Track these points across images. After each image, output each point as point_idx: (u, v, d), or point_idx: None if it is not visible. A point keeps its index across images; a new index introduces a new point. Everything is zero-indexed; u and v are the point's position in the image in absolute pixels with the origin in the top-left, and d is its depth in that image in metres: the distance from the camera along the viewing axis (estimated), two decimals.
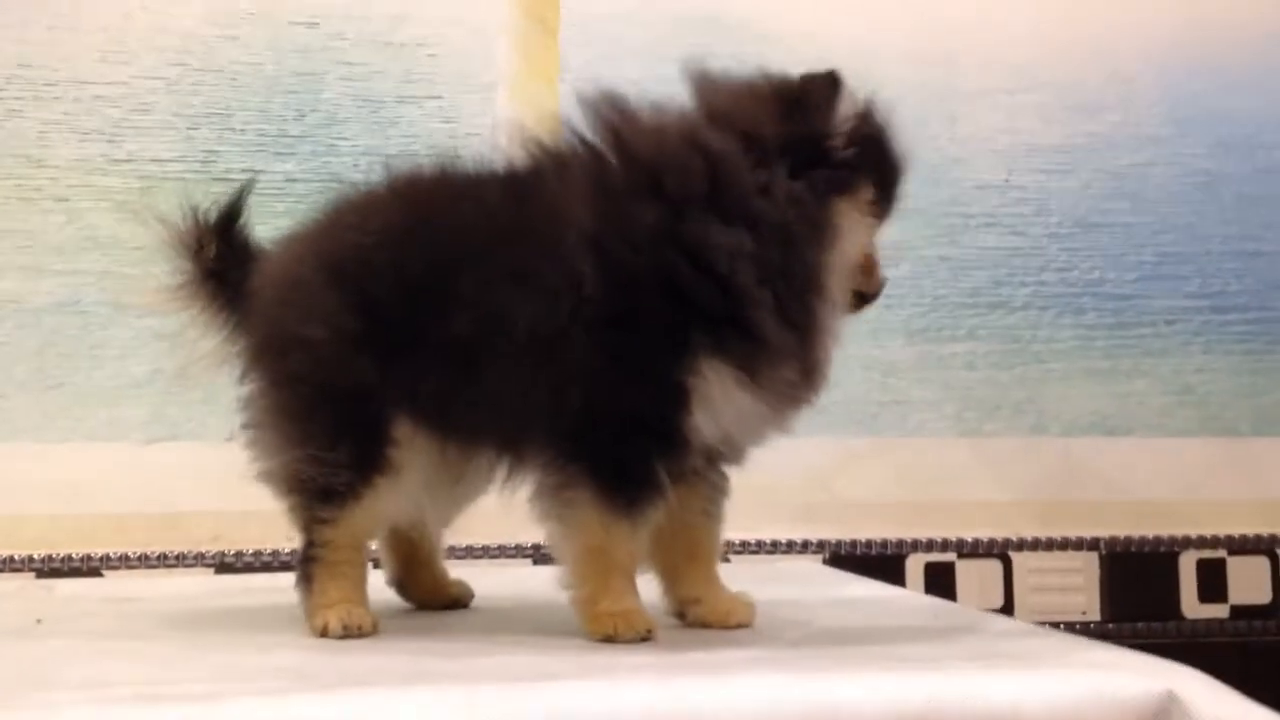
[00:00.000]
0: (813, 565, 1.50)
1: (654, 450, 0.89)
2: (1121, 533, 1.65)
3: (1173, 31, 1.72)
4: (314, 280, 0.98)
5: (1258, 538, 1.68)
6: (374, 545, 1.09)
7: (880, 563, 1.57)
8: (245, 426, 1.05)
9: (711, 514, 0.99)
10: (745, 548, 1.56)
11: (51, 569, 1.43)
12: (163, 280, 1.11)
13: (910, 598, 1.25)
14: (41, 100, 1.48)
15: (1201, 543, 1.66)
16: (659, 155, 0.90)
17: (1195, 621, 1.64)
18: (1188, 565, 1.66)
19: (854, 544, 1.59)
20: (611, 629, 0.89)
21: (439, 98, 1.56)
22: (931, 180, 1.65)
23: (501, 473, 0.98)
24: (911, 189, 1.58)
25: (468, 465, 1.00)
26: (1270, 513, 1.69)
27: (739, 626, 0.96)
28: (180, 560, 1.46)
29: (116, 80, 1.50)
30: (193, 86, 1.51)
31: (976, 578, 1.61)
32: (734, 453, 0.97)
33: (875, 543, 1.60)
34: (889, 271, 1.58)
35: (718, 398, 0.88)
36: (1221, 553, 1.67)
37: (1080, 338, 1.67)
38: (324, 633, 0.94)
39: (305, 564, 0.99)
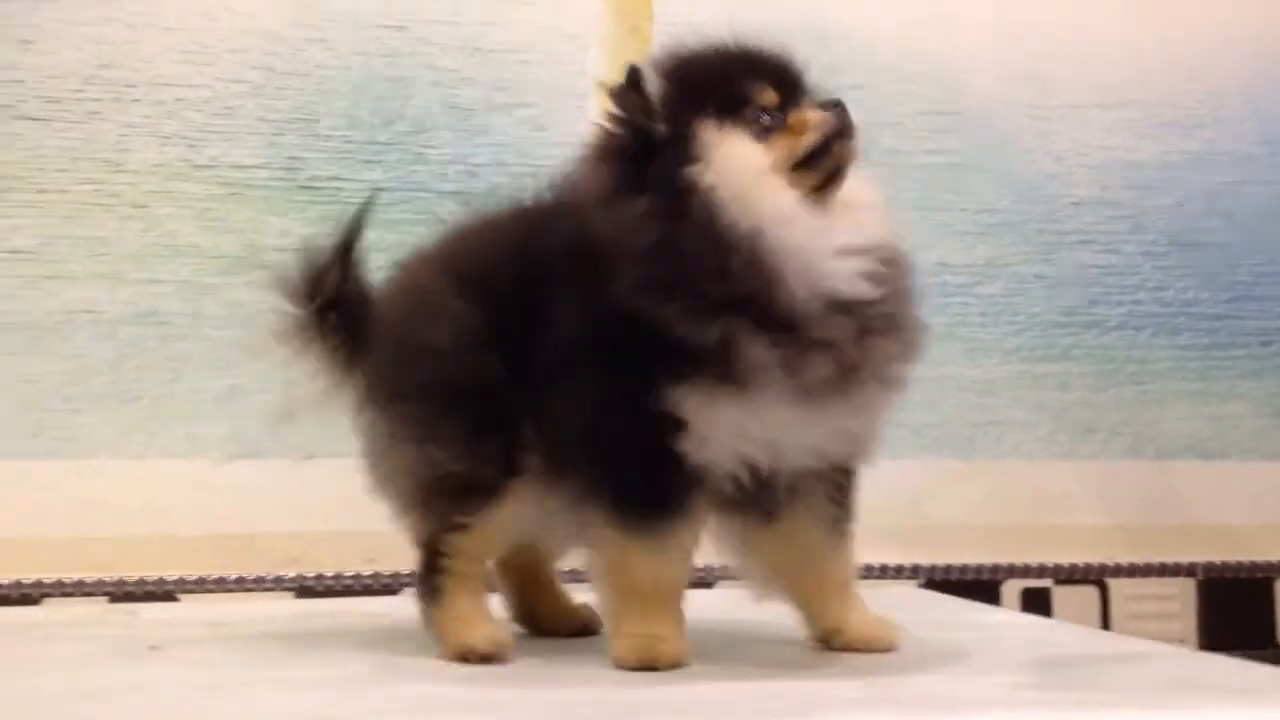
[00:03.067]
0: (917, 590, 1.45)
1: (662, 473, 0.87)
2: (1218, 558, 1.61)
3: (1263, 51, 1.70)
4: (440, 288, 0.98)
5: None
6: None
7: (976, 588, 1.53)
8: (369, 449, 1.03)
9: (831, 540, 0.95)
10: None
11: (124, 593, 1.36)
12: (278, 323, 1.10)
13: (1048, 624, 1.20)
14: (121, 102, 1.42)
15: None
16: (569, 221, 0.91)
17: None
18: None
19: (948, 568, 1.55)
20: (630, 653, 0.87)
21: (530, 105, 1.51)
22: (1027, 196, 1.62)
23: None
24: (1007, 204, 1.59)
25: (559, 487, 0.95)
26: None
27: (885, 651, 0.94)
28: (259, 584, 1.40)
29: (199, 83, 1.44)
30: (278, 90, 1.45)
31: (1074, 604, 1.57)
32: (779, 473, 0.90)
33: (970, 567, 1.55)
34: (988, 287, 1.57)
35: (701, 420, 0.85)
36: None
37: (1175, 358, 1.64)
38: (467, 651, 0.91)
39: (431, 577, 0.96)
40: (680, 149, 0.88)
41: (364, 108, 1.47)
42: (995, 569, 1.56)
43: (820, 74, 0.92)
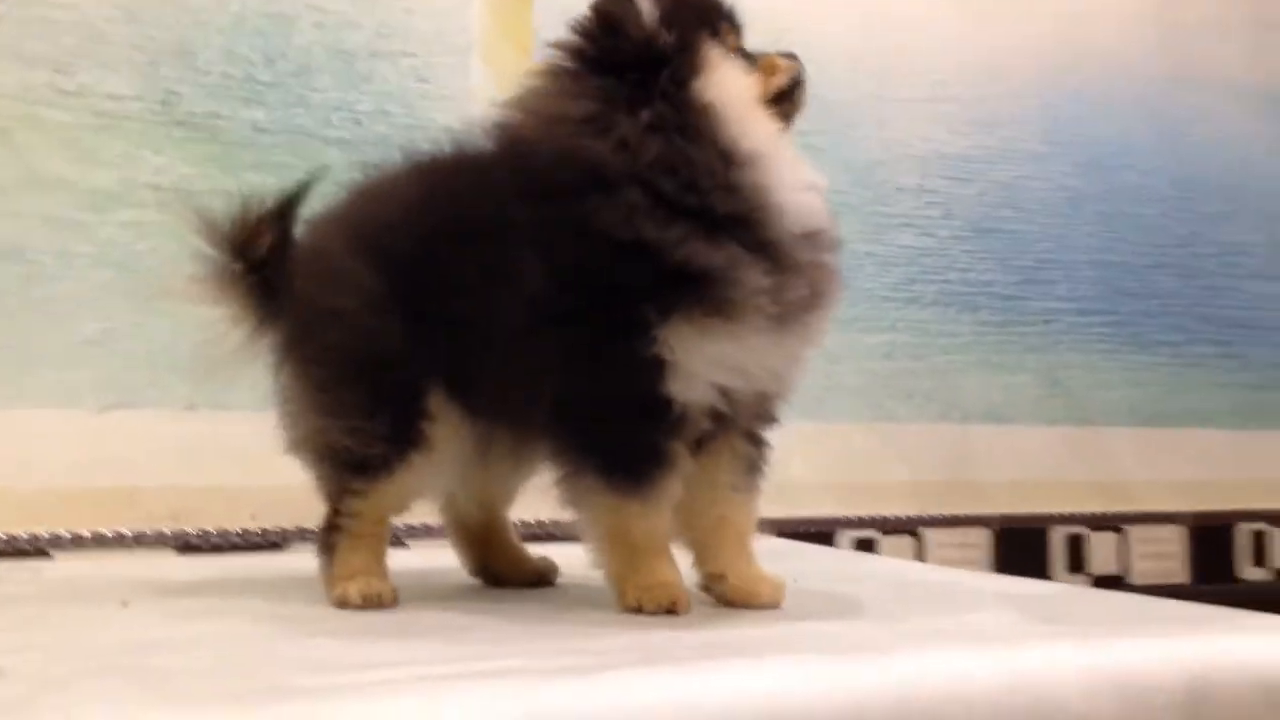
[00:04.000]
0: (789, 543, 1.56)
1: (649, 425, 0.87)
2: (1008, 510, 1.82)
3: (1053, 59, 1.92)
4: (341, 251, 0.97)
5: (1108, 515, 1.90)
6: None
7: (817, 538, 1.65)
8: (280, 400, 1.01)
9: (740, 488, 0.95)
10: None
11: None
12: (197, 271, 1.04)
13: (930, 568, 1.33)
14: None
15: (1071, 520, 1.86)
16: (542, 157, 0.89)
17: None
18: (1057, 539, 1.86)
19: (796, 521, 1.66)
20: (636, 601, 0.88)
21: (413, 55, 1.49)
22: (862, 180, 1.76)
23: (527, 454, 0.97)
24: (846, 186, 1.72)
25: (496, 445, 0.98)
26: (1117, 493, 1.91)
27: (765, 607, 0.92)
28: (139, 540, 1.32)
29: (68, 3, 1.33)
30: (153, 18, 1.37)
31: (895, 551, 1.72)
32: (747, 408, 0.92)
33: (813, 520, 1.68)
34: None
35: (691, 357, 0.84)
36: (1081, 528, 1.87)
37: (975, 333, 1.83)
38: (343, 604, 0.92)
39: (328, 534, 0.97)
40: (687, 62, 0.88)
41: (243, 43, 1.41)
42: (833, 521, 1.69)
43: None
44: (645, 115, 0.86)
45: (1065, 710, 0.65)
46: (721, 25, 0.91)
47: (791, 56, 0.93)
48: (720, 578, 0.94)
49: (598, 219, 0.84)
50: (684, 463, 0.89)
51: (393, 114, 1.46)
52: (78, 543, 1.30)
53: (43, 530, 1.28)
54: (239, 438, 1.34)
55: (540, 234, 0.86)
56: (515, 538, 1.10)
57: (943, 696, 0.65)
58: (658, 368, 0.84)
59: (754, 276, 0.84)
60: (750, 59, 0.92)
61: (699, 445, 0.91)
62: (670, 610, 0.87)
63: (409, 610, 0.92)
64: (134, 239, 1.34)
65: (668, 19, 0.88)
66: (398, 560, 1.00)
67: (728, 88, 0.88)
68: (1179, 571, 1.95)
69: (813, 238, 0.88)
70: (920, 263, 1.79)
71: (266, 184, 1.36)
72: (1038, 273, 1.88)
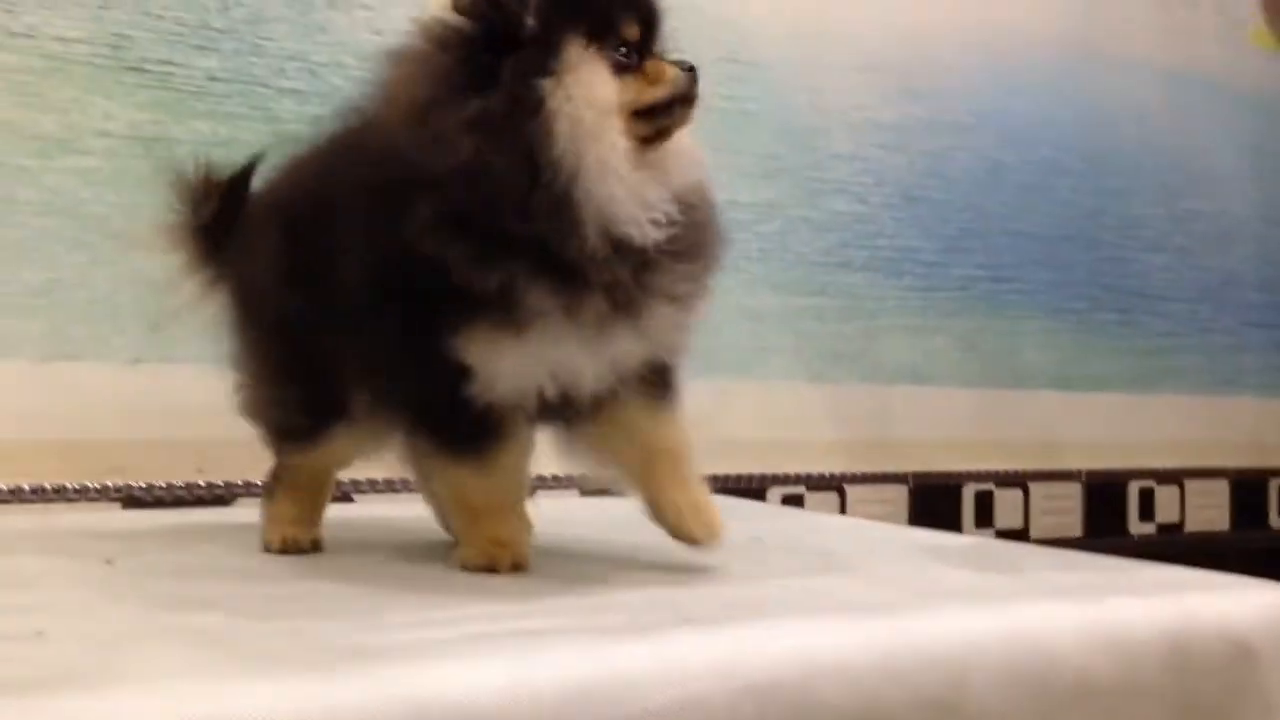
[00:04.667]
0: (731, 499, 1.60)
1: (462, 412, 0.86)
2: (923, 468, 1.90)
3: (976, 34, 1.98)
4: (260, 221, 1.02)
5: (1015, 473, 1.99)
6: None
7: (748, 494, 1.71)
8: (232, 361, 1.05)
9: (652, 412, 0.91)
10: None
11: None
12: (157, 220, 1.09)
13: (880, 525, 1.39)
14: None
15: (981, 476, 1.95)
16: (371, 145, 0.87)
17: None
18: (968, 495, 1.95)
19: (727, 478, 1.71)
20: (474, 558, 0.89)
21: (369, 8, 1.47)
22: (800, 145, 1.80)
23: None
24: (784, 151, 1.76)
25: None
26: (1025, 453, 2.01)
27: (693, 543, 0.90)
28: (82, 494, 1.30)
29: None
30: None
31: (819, 506, 1.79)
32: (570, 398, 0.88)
33: (744, 477, 1.73)
34: (765, 226, 1.73)
35: (486, 365, 0.83)
36: (989, 485, 1.97)
37: (900, 298, 1.89)
38: (266, 548, 0.99)
39: (272, 481, 1.03)
40: (541, 55, 0.81)
41: None
42: (763, 478, 1.74)
43: None
44: (471, 108, 0.80)
45: (1066, 664, 0.70)
46: (620, 16, 0.84)
47: (689, 69, 0.86)
48: (660, 513, 0.91)
49: (399, 228, 0.82)
50: (520, 430, 0.89)
51: (348, 66, 1.44)
52: (18, 495, 1.27)
53: None
54: (184, 391, 1.34)
55: (361, 228, 0.86)
56: None
57: (960, 652, 0.70)
58: (458, 370, 0.84)
59: (537, 297, 0.81)
60: (637, 61, 0.85)
61: (585, 414, 0.89)
62: (490, 569, 0.88)
63: (413, 564, 0.94)
64: (80, 186, 1.31)
65: (546, 6, 0.82)
66: (375, 511, 1.02)
67: (579, 92, 0.81)
68: (1075, 526, 2.06)
69: (623, 255, 0.82)
70: (852, 229, 1.85)
71: (218, 133, 1.37)
72: (959, 241, 1.95)
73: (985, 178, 1.98)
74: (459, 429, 0.88)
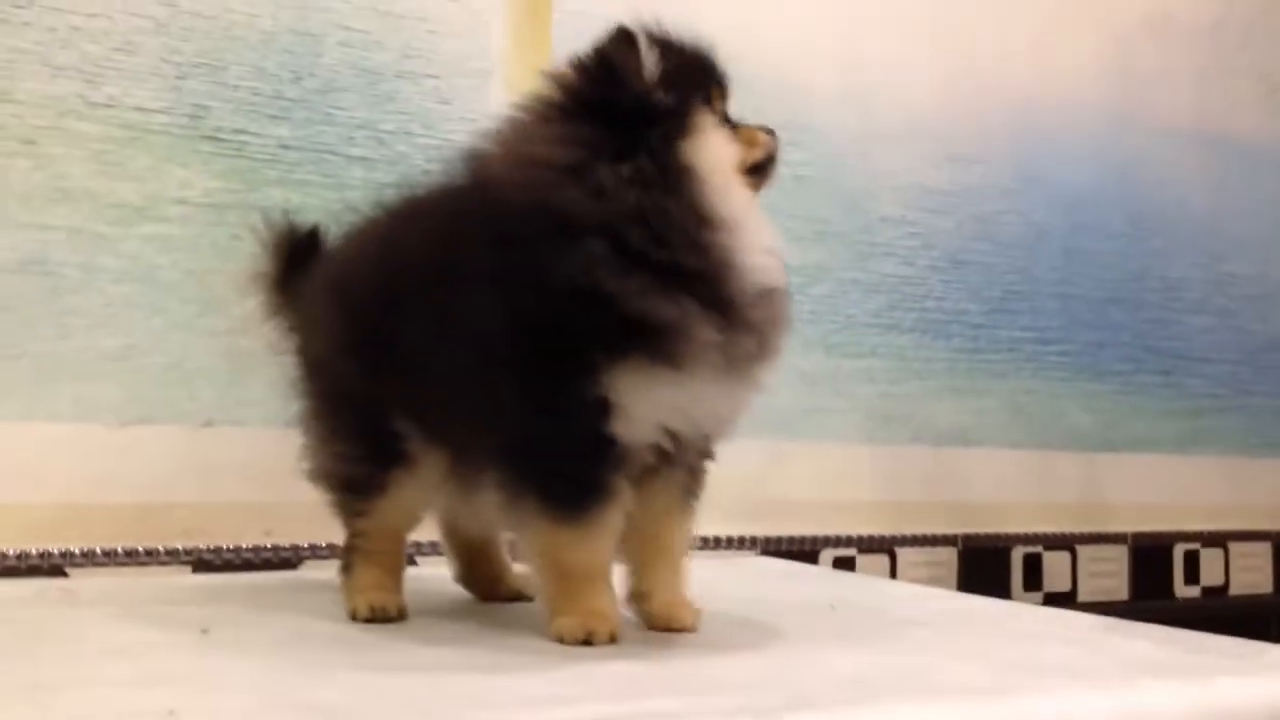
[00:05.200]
0: (780, 562, 1.61)
1: (591, 461, 0.89)
2: (973, 530, 1.90)
3: (1022, 102, 2.00)
4: (321, 295, 1.06)
5: (1062, 535, 1.99)
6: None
7: (800, 556, 1.71)
8: (302, 434, 1.09)
9: (675, 511, 0.98)
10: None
11: (6, 567, 1.23)
12: (242, 265, 1.16)
13: (946, 594, 1.39)
14: (9, 25, 1.27)
15: (1030, 539, 1.95)
16: (512, 204, 0.90)
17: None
18: (1017, 558, 1.94)
19: (780, 539, 1.72)
20: (570, 631, 0.89)
21: (435, 77, 1.50)
22: (849, 209, 1.82)
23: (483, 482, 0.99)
24: (834, 215, 1.78)
25: (459, 472, 1.01)
26: (1071, 515, 2.01)
27: (681, 630, 0.95)
28: (153, 557, 1.31)
29: (96, 11, 1.31)
30: (182, 30, 1.35)
31: (871, 569, 1.79)
32: (685, 448, 0.94)
33: (795, 538, 1.73)
34: (817, 288, 1.75)
35: (637, 401, 0.87)
36: (1038, 548, 1.97)
37: (948, 359, 1.90)
38: (353, 616, 1.00)
39: (347, 553, 1.05)
40: (676, 125, 0.90)
41: (271, 60, 1.40)
42: (815, 540, 1.75)
43: None
44: (627, 169, 0.88)
45: None
46: (714, 90, 0.94)
47: (770, 132, 0.97)
48: (645, 596, 0.97)
49: (558, 268, 0.86)
50: (625, 496, 0.91)
51: (415, 134, 1.47)
52: (91, 559, 1.28)
53: (56, 547, 1.27)
54: (253, 453, 1.35)
55: (500, 282, 0.88)
56: (504, 553, 1.15)
57: None
58: (604, 409, 0.87)
59: (706, 331, 0.86)
60: (734, 127, 0.95)
61: (640, 475, 0.94)
62: (586, 641, 0.89)
63: (505, 632, 0.95)
64: (157, 253, 1.33)
65: (668, 78, 0.91)
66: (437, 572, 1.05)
67: (711, 154, 0.91)
68: (1122, 589, 2.05)
69: (766, 297, 0.91)
70: (900, 290, 1.86)
71: (290, 200, 1.39)
72: (1005, 303, 1.97)
73: (1031, 241, 2.00)
74: (576, 482, 0.89)
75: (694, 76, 0.93)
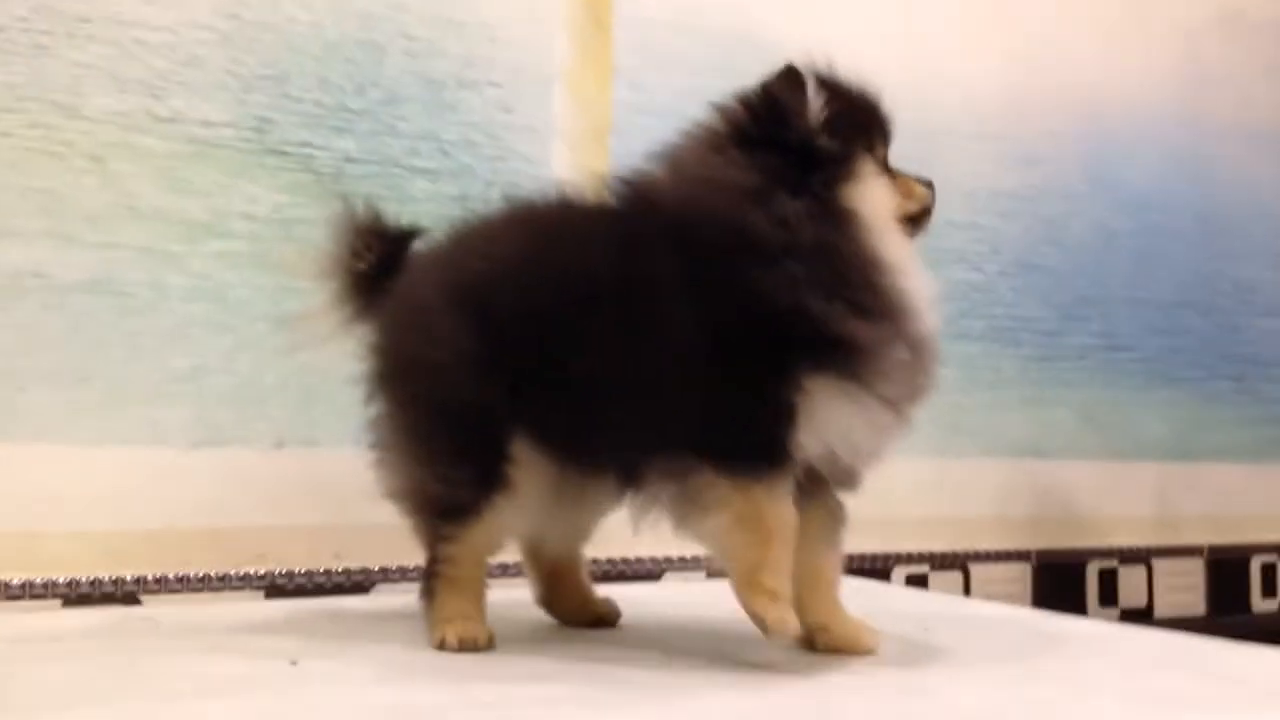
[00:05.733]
0: (852, 580, 1.56)
1: (775, 441, 0.88)
2: (1047, 545, 1.85)
3: (1089, 103, 1.95)
4: (437, 304, 1.00)
5: (1136, 549, 1.94)
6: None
7: (871, 573, 1.67)
8: (373, 446, 1.04)
9: (830, 542, 0.99)
10: None
11: (79, 594, 1.21)
12: (317, 257, 1.10)
13: (1022, 612, 1.34)
14: (74, 39, 1.25)
15: (1104, 554, 1.90)
16: (698, 217, 0.91)
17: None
18: (1092, 573, 1.89)
19: (851, 557, 1.67)
20: (764, 607, 0.88)
21: (499, 85, 1.47)
22: None
23: (626, 493, 0.98)
24: None
25: (587, 486, 1.01)
26: (1146, 527, 1.95)
27: (866, 653, 0.96)
28: (225, 582, 1.28)
29: (160, 25, 1.29)
30: (247, 42, 1.33)
31: (943, 585, 1.74)
32: (844, 471, 0.96)
33: (867, 556, 1.69)
34: None
35: (823, 409, 0.88)
36: (1113, 562, 1.91)
37: (1019, 368, 1.85)
38: (441, 646, 0.95)
39: (428, 579, 1.01)
40: (840, 170, 0.92)
41: (335, 70, 1.38)
42: (887, 557, 1.70)
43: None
44: (802, 203, 0.89)
45: None
46: (876, 137, 0.96)
47: (928, 185, 0.99)
48: (824, 629, 0.97)
49: (758, 284, 0.87)
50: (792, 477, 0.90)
51: (478, 144, 1.44)
52: (164, 585, 1.25)
53: (129, 573, 1.24)
54: (323, 475, 1.32)
55: (692, 290, 0.88)
56: (586, 576, 1.12)
57: None
58: (790, 416, 0.87)
59: (899, 353, 0.90)
60: (893, 175, 0.97)
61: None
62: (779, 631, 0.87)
63: (591, 652, 0.92)
64: (225, 270, 1.30)
65: (833, 121, 0.92)
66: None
67: (873, 201, 0.93)
68: (1198, 603, 2.00)
69: (931, 342, 0.94)
70: (970, 298, 1.82)
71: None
72: (1075, 309, 1.92)
73: (1100, 244, 1.95)
74: (758, 444, 0.88)
75: (858, 121, 0.94)
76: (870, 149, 0.95)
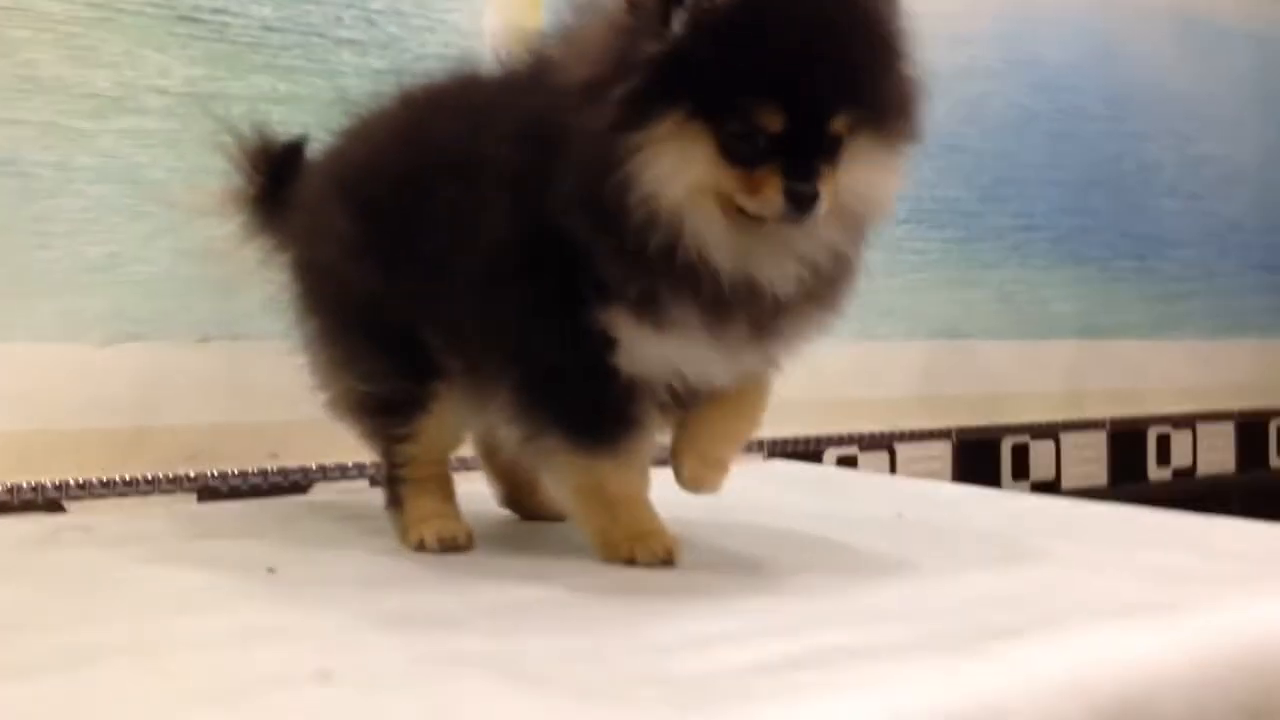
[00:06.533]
0: (795, 465, 1.56)
1: (606, 388, 0.83)
2: (967, 423, 1.88)
3: None
4: (325, 196, 0.96)
5: (1047, 424, 1.98)
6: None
7: (804, 456, 1.67)
8: (310, 367, 1.01)
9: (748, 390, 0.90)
10: None
11: None
12: (216, 185, 1.07)
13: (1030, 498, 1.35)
14: None
15: (1017, 429, 1.94)
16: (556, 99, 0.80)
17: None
18: (1006, 449, 1.93)
19: (785, 441, 1.67)
20: (629, 553, 0.85)
21: None
22: None
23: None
24: None
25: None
26: (1055, 404, 2.00)
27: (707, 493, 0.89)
28: (154, 485, 1.20)
29: None
30: None
31: (871, 466, 1.75)
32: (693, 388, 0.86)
33: (800, 439, 1.68)
34: None
35: (631, 344, 0.81)
36: (1026, 438, 1.95)
37: (941, 250, 1.85)
38: (420, 547, 0.91)
39: (391, 485, 0.96)
40: (637, 114, 0.75)
41: None
42: (818, 440, 1.70)
43: None
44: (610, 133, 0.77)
45: None
46: (754, 100, 0.76)
47: (803, 196, 0.78)
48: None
49: (550, 198, 0.79)
50: (653, 423, 0.86)
51: (406, 13, 1.34)
52: (89, 490, 1.17)
53: (50, 479, 1.15)
54: (255, 371, 1.25)
55: (520, 178, 0.81)
56: None
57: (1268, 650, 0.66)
58: (606, 341, 0.82)
59: (679, 312, 0.79)
60: (756, 157, 0.78)
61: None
62: (665, 560, 0.84)
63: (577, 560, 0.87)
64: (137, 150, 1.19)
65: (683, 52, 0.76)
66: None
67: (659, 165, 0.77)
68: (1100, 474, 2.06)
69: (758, 296, 0.80)
70: None
71: (277, 89, 1.26)
72: (995, 190, 1.92)
73: (1018, 125, 1.94)
74: (598, 410, 0.84)
75: (702, 69, 0.77)
76: (707, 109, 0.75)
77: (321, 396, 1.01)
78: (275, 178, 1.04)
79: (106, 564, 0.89)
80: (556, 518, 1.04)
